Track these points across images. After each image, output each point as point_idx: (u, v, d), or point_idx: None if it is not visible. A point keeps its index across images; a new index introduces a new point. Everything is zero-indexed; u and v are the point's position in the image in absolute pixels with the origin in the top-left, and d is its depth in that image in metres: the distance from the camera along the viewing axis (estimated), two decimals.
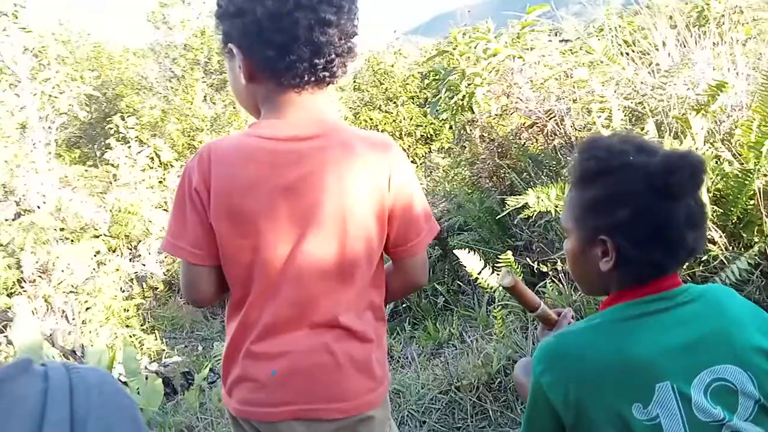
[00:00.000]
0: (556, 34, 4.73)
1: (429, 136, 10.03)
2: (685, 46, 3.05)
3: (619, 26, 3.81)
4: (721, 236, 2.20)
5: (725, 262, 2.14)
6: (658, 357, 0.86)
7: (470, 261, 2.88)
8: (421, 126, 9.98)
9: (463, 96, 4.62)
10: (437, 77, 4.96)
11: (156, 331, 5.84)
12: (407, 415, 2.34)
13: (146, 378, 3.81)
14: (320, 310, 1.10)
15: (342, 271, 1.10)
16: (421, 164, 8.96)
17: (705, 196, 2.22)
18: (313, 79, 1.09)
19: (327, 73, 1.09)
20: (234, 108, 10.18)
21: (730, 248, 2.19)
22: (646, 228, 0.88)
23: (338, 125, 1.14)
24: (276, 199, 1.06)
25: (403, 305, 4.44)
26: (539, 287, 2.76)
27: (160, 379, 3.61)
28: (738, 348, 0.88)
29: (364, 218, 1.10)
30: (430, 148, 9.84)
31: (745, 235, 2.22)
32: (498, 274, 1.25)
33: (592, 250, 0.93)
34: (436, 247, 4.88)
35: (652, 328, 0.89)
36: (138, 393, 3.55)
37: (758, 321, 0.93)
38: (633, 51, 3.12)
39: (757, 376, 0.87)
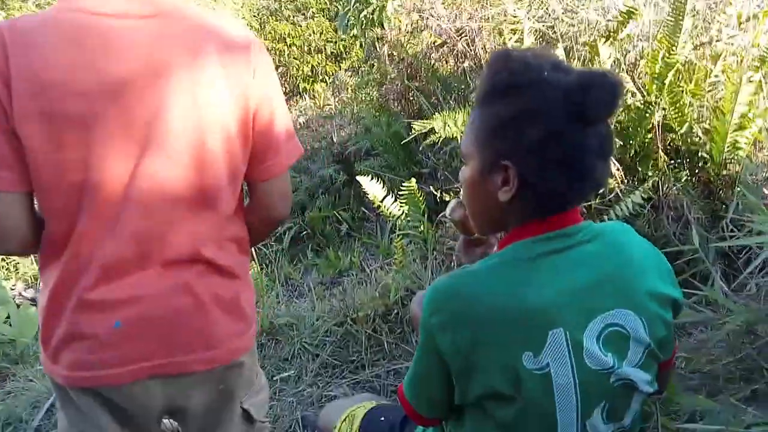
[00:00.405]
0: None
1: (339, 53, 9.57)
2: None
3: None
4: (618, 169, 2.20)
5: (620, 195, 2.15)
6: (553, 302, 0.79)
7: (373, 188, 2.76)
8: (332, 42, 9.48)
9: (374, 10, 4.33)
10: None
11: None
12: (300, 349, 2.26)
13: (18, 306, 3.50)
14: (175, 243, 0.90)
15: (201, 197, 0.91)
16: (330, 83, 8.59)
17: None
18: None
19: None
20: None
21: (626, 181, 2.20)
22: (555, 153, 0.78)
23: (184, 5, 0.90)
24: (110, 98, 0.82)
25: (305, 232, 4.31)
26: (440, 217, 2.70)
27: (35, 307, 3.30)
28: (634, 291, 0.83)
29: (226, 132, 0.90)
30: (340, 67, 9.42)
31: (640, 168, 2.23)
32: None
33: (492, 177, 0.82)
34: (341, 173, 4.73)
35: (549, 270, 0.81)
36: (8, 322, 3.25)
37: (656, 264, 0.88)
38: None
39: (650, 321, 0.83)
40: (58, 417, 0.98)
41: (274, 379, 2.18)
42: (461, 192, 0.92)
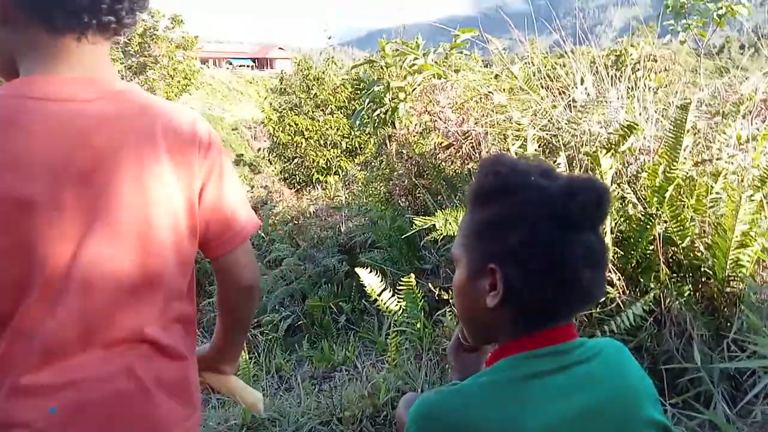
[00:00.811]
0: (486, 65, 4.74)
1: (354, 149, 9.90)
2: (601, 85, 3.08)
3: (543, 59, 3.84)
4: (619, 279, 2.16)
5: (621, 306, 2.10)
6: (551, 429, 0.72)
7: (371, 281, 2.73)
8: (348, 138, 9.85)
9: (387, 110, 4.51)
10: (362, 87, 4.84)
11: None
12: None
13: None
14: (117, 325, 0.87)
15: (146, 279, 0.88)
16: (342, 176, 8.80)
17: (608, 237, 2.19)
18: (95, 21, 0.85)
19: (113, 17, 0.86)
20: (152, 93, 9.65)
21: (628, 292, 2.16)
22: (539, 258, 0.75)
23: (129, 88, 0.90)
24: (55, 181, 0.82)
25: (302, 321, 4.22)
26: (438, 315, 2.64)
27: None
28: (633, 420, 0.78)
29: (173, 216, 0.90)
30: (354, 161, 9.71)
31: (642, 280, 2.20)
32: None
33: (480, 281, 0.79)
34: (344, 263, 4.72)
35: (546, 392, 0.75)
36: None
37: (648, 389, 0.83)
38: (553, 83, 3.12)
39: None
40: None
41: None
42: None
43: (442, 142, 3.37)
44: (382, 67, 4.68)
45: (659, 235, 2.17)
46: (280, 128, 10.19)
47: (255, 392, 1.16)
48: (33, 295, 0.83)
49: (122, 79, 0.96)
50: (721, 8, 3.62)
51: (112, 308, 0.87)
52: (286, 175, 10.29)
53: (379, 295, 2.68)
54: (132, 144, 0.86)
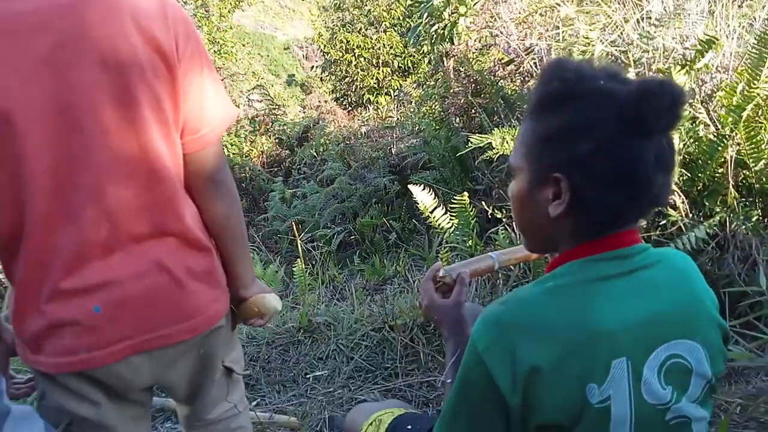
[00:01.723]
0: None
1: (407, 68, 9.65)
2: None
3: None
4: (683, 202, 2.09)
5: (683, 228, 2.04)
6: (617, 330, 0.73)
7: (424, 197, 2.74)
8: (400, 57, 9.58)
9: (445, 25, 4.33)
10: (419, 1, 4.64)
11: None
12: (335, 350, 2.25)
13: None
14: (139, 220, 0.90)
15: (150, 167, 0.89)
16: (394, 96, 8.66)
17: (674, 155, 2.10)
18: None
19: None
20: (206, 11, 9.55)
21: (691, 215, 2.09)
22: (610, 165, 0.73)
23: None
24: (28, 82, 0.80)
25: (353, 237, 4.32)
26: (491, 233, 2.65)
27: None
28: (698, 323, 0.78)
29: (159, 100, 0.87)
30: (406, 81, 9.49)
31: (707, 203, 2.12)
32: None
33: (543, 191, 0.78)
34: (395, 182, 4.74)
35: (612, 294, 0.75)
36: None
37: (711, 295, 0.83)
38: None
39: (712, 354, 0.78)
40: (46, 405, 0.98)
41: (307, 376, 2.18)
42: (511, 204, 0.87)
43: (502, 59, 3.24)
44: None
45: (731, 157, 2.07)
46: (331, 45, 10.01)
47: (271, 296, 1.14)
48: (40, 204, 0.84)
49: None
50: None
51: (129, 201, 0.89)
52: (338, 94, 10.21)
53: (431, 212, 2.69)
54: (104, 34, 0.83)
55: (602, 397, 0.72)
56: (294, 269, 3.03)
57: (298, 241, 3.48)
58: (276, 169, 6.83)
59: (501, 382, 0.72)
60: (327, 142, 6.67)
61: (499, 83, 3.42)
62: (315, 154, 6.51)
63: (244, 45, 10.30)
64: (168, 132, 0.90)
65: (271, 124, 7.27)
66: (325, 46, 10.13)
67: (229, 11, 10.77)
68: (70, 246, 0.87)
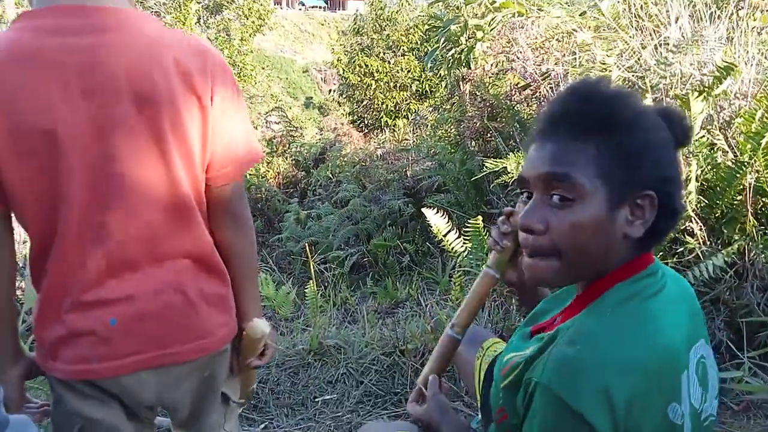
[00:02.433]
0: (571, 4, 4.46)
1: (424, 92, 9.72)
2: (699, 24, 2.84)
3: None
4: (701, 229, 2.06)
5: (701, 256, 2.00)
6: (680, 344, 0.74)
7: (437, 221, 2.73)
8: (418, 80, 9.67)
9: (462, 50, 4.36)
10: (437, 26, 4.69)
11: None
12: (345, 373, 2.23)
13: None
14: (161, 241, 0.96)
15: (175, 196, 0.96)
16: (411, 120, 8.71)
17: (692, 185, 2.07)
18: None
19: None
20: (227, 35, 9.75)
21: (709, 243, 2.05)
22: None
23: (139, 14, 0.95)
24: (72, 108, 0.88)
25: (366, 259, 4.31)
26: None
27: None
28: (701, 321, 0.83)
29: (188, 137, 0.94)
30: (423, 105, 9.55)
31: (726, 231, 2.08)
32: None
33: (619, 211, 0.74)
34: (410, 205, 4.74)
35: (662, 311, 0.75)
36: None
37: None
38: (644, 21, 2.91)
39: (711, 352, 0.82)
40: (60, 411, 1.02)
41: (316, 400, 2.16)
42: (563, 238, 0.75)
43: (518, 83, 3.25)
44: (459, 6, 4.50)
45: (749, 185, 2.04)
46: (350, 69, 10.14)
47: (258, 320, 1.14)
48: (73, 219, 0.91)
49: (199, 19, 1.00)
50: None
51: (154, 229, 0.95)
52: (355, 117, 10.30)
53: (445, 235, 2.67)
54: (147, 72, 0.90)
55: (680, 414, 0.71)
56: (306, 291, 3.02)
57: (311, 263, 3.48)
58: (292, 190, 6.87)
59: (603, 429, 0.67)
60: (343, 163, 6.71)
61: (515, 107, 3.43)
62: (330, 175, 6.54)
63: (263, 68, 10.48)
64: (192, 165, 0.97)
65: (288, 145, 7.34)
66: (344, 70, 10.27)
67: (250, 35, 10.99)
68: (96, 261, 0.93)
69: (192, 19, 9.36)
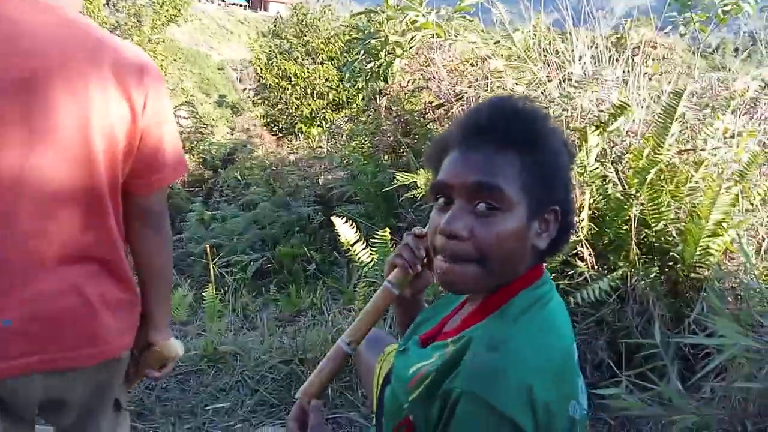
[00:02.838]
0: (486, 33, 4.66)
1: (341, 102, 9.74)
2: (599, 64, 3.07)
3: (545, 33, 3.80)
4: (590, 254, 2.20)
5: (588, 280, 2.14)
6: (573, 345, 0.80)
7: (346, 230, 2.72)
8: (335, 90, 9.68)
9: (381, 64, 4.42)
10: (358, 37, 4.73)
11: None
12: (239, 381, 2.15)
13: None
14: (67, 242, 0.93)
15: (89, 199, 0.94)
16: (326, 129, 8.69)
17: (585, 213, 2.22)
18: None
19: None
20: (137, 20, 9.28)
21: (596, 267, 2.20)
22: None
23: (83, 19, 0.96)
24: (8, 93, 0.86)
25: (271, 266, 4.22)
26: None
27: None
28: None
29: (112, 143, 0.94)
30: (340, 114, 9.56)
31: (611, 257, 2.24)
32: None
33: (533, 223, 0.79)
34: (320, 213, 4.71)
35: (558, 314, 0.81)
36: None
37: None
38: (551, 57, 3.10)
39: None
40: None
41: (207, 408, 2.06)
42: (489, 246, 0.76)
43: (432, 102, 3.33)
44: (381, 21, 4.56)
45: (634, 216, 2.21)
46: (267, 71, 9.96)
47: (175, 341, 1.15)
48: None
49: (108, 1, 0.99)
50: (728, 4, 3.61)
51: (62, 225, 0.92)
52: (269, 120, 10.11)
53: (352, 245, 2.68)
54: (85, 69, 0.90)
55: (577, 409, 0.75)
56: (204, 294, 2.90)
57: (212, 266, 3.35)
58: (197, 189, 6.62)
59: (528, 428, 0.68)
60: (253, 166, 6.56)
61: (429, 125, 3.51)
62: (239, 177, 6.36)
63: (175, 60, 10.04)
64: (114, 172, 0.96)
65: (196, 142, 7.06)
66: (261, 70, 10.06)
67: (163, 24, 10.50)
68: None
69: (100, 0, 8.81)
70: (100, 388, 1.05)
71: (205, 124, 7.59)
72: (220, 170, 6.72)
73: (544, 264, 0.86)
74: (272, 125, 10.15)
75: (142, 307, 1.09)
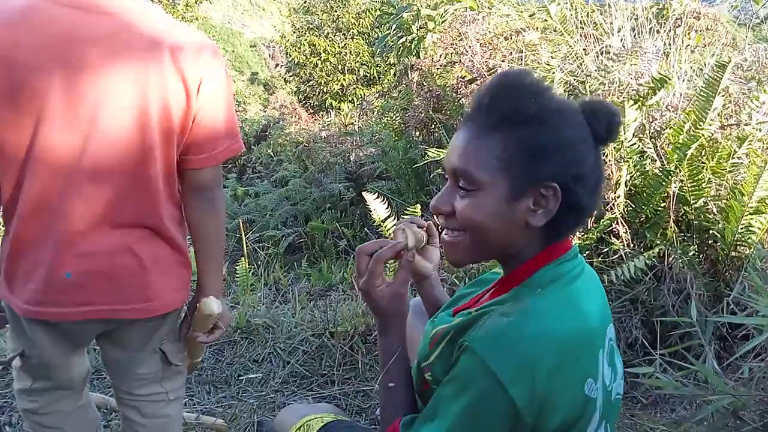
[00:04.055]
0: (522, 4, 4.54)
1: (372, 77, 9.68)
2: (639, 36, 2.97)
3: (582, 5, 3.68)
4: (626, 231, 2.16)
5: (624, 258, 2.10)
6: (597, 324, 0.80)
7: (377, 206, 2.72)
8: (366, 65, 9.61)
9: (413, 39, 4.36)
10: (389, 12, 4.66)
11: None
12: (272, 353, 2.19)
13: None
14: (121, 210, 1.03)
15: (143, 174, 1.03)
16: (357, 104, 8.66)
17: (621, 190, 2.16)
18: None
19: None
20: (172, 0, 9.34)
21: (632, 245, 2.16)
22: (595, 174, 0.80)
23: (140, 5, 1.01)
24: (68, 77, 0.94)
25: (303, 241, 4.26)
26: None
27: None
28: (608, 306, 0.88)
29: (168, 124, 1.01)
30: (371, 90, 9.50)
31: (648, 235, 2.19)
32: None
33: (521, 201, 0.78)
34: (351, 189, 4.72)
35: (583, 292, 0.81)
36: None
37: None
38: (589, 29, 3.00)
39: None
40: (9, 335, 1.19)
41: (240, 378, 2.12)
42: (465, 220, 0.80)
43: (465, 76, 3.28)
44: None
45: (673, 193, 2.15)
46: (297, 48, 9.94)
47: (210, 299, 1.19)
48: (44, 178, 0.98)
49: None
50: None
51: (119, 193, 1.02)
52: (301, 97, 10.13)
53: (383, 221, 2.68)
54: (140, 56, 0.97)
55: (595, 389, 0.77)
56: (237, 268, 2.95)
57: (244, 240, 3.40)
58: (231, 166, 6.69)
59: (519, 400, 0.71)
60: (285, 143, 6.59)
61: (460, 100, 3.46)
62: (272, 154, 6.41)
63: (209, 38, 10.11)
64: (169, 151, 1.04)
65: None
66: (290, 48, 10.05)
67: (196, 2, 10.56)
68: (59, 218, 1.00)
69: None
70: (147, 337, 1.16)
71: (238, 101, 7.65)
72: (253, 147, 6.77)
73: (571, 240, 0.85)
74: (304, 102, 10.17)
75: (196, 274, 1.18)
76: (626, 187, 2.21)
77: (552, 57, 2.73)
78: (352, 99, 9.31)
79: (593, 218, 2.06)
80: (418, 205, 2.66)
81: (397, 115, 4.40)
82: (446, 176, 0.85)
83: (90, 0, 0.96)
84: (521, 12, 3.15)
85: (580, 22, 3.14)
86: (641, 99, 2.39)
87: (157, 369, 1.23)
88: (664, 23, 3.53)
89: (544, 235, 0.81)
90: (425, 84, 3.86)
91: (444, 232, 0.85)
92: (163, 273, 1.10)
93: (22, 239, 1.03)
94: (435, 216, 0.87)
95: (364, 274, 0.90)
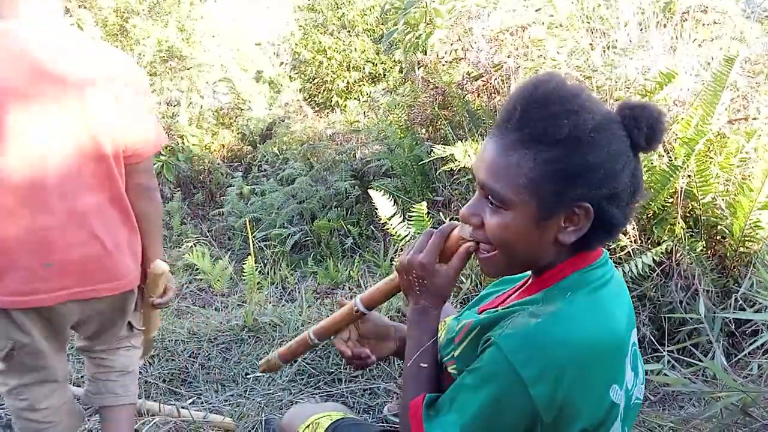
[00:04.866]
0: None
1: (378, 74, 9.65)
2: (645, 31, 2.94)
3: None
4: (634, 228, 2.15)
5: (631, 254, 2.09)
6: (624, 331, 0.79)
7: (383, 204, 2.72)
8: (372, 63, 9.59)
9: (420, 35, 4.35)
10: (396, 6, 4.65)
11: None
12: None
13: None
14: (89, 201, 1.26)
15: (101, 171, 1.27)
16: (364, 102, 8.64)
17: None
18: None
19: None
20: None
21: (640, 242, 2.14)
22: (632, 191, 0.77)
23: (80, 35, 1.33)
24: (26, 93, 1.17)
25: (309, 239, 4.27)
26: None
27: None
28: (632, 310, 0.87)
29: (107, 133, 1.26)
30: (377, 87, 9.47)
31: (656, 231, 2.18)
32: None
33: (552, 220, 0.76)
34: (357, 187, 4.71)
35: (611, 299, 0.80)
36: None
37: None
38: (595, 24, 2.98)
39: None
40: None
41: (247, 376, 2.12)
42: (493, 235, 0.80)
43: (470, 73, 3.27)
44: None
45: (681, 188, 2.13)
46: (302, 46, 9.93)
47: (158, 261, 1.44)
48: (21, 176, 1.18)
49: None
50: None
51: (83, 191, 1.26)
52: (306, 95, 10.12)
53: (389, 218, 2.68)
54: (78, 75, 1.22)
55: (619, 395, 0.77)
56: (244, 267, 2.96)
57: (251, 239, 3.41)
58: (236, 164, 6.70)
59: (539, 400, 0.72)
60: (291, 141, 6.58)
61: (466, 97, 3.45)
62: (278, 152, 6.41)
63: (213, 36, 10.11)
64: (116, 151, 1.30)
65: (235, 118, 7.14)
66: (297, 45, 10.04)
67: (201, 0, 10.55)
68: (34, 214, 1.21)
69: None
70: (117, 311, 1.41)
71: (243, 99, 7.65)
72: (258, 145, 6.77)
73: (603, 248, 0.84)
74: (309, 100, 10.16)
75: (142, 248, 1.42)
76: None
77: (558, 52, 2.71)
78: (358, 96, 9.29)
79: None
80: (424, 203, 2.66)
81: (403, 112, 4.39)
82: (476, 184, 0.82)
83: (38, 32, 1.23)
84: (527, 6, 3.13)
85: (587, 17, 3.12)
86: (648, 94, 2.37)
87: (126, 335, 1.51)
88: (671, 17, 3.50)
89: (574, 249, 0.81)
90: (431, 81, 3.84)
91: (481, 247, 0.84)
92: (124, 255, 1.34)
93: (4, 233, 1.19)
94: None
95: (425, 247, 0.89)
